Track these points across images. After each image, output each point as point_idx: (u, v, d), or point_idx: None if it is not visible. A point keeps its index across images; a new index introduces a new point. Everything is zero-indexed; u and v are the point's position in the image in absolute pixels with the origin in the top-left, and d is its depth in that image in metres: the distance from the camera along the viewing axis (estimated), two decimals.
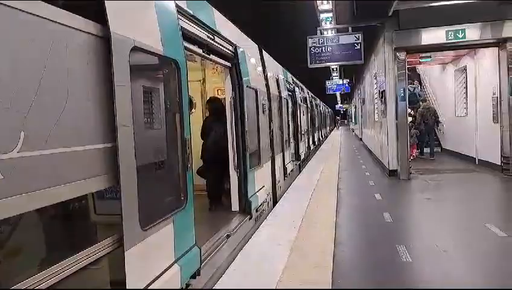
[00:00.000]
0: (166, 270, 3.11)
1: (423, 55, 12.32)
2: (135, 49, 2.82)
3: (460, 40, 9.24)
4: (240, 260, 4.40)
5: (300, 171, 11.61)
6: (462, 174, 9.82)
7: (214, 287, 3.77)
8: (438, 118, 13.63)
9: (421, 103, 13.60)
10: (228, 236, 4.68)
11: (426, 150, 13.46)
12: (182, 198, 3.53)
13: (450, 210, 6.83)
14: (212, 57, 4.80)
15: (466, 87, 12.06)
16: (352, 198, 8.08)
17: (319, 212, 6.52)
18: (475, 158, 11.21)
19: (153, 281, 2.91)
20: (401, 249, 4.67)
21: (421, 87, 17.21)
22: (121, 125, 2.58)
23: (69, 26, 2.28)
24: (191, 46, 4.17)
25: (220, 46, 4.93)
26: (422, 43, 9.52)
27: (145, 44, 2.98)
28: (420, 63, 13.93)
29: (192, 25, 4.08)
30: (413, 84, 15.78)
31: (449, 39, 9.27)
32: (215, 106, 6.29)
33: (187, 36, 3.94)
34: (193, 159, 3.71)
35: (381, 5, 8.99)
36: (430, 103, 17.06)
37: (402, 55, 9.58)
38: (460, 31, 9.19)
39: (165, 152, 3.56)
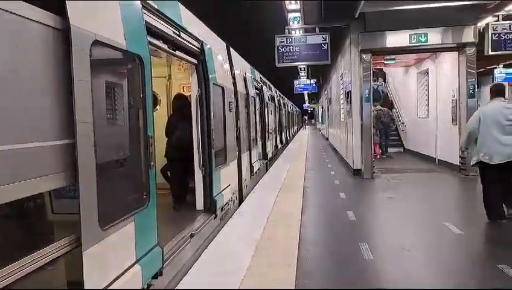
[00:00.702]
0: (126, 270, 3.04)
1: (388, 57, 12.62)
2: (96, 43, 2.73)
3: (423, 43, 9.50)
4: (204, 259, 4.36)
5: (267, 170, 11.65)
6: (422, 174, 10.11)
7: (176, 288, 3.71)
8: (393, 117, 14.11)
9: (376, 104, 13.99)
10: (192, 235, 4.62)
11: (391, 149, 13.88)
12: (145, 197, 3.45)
13: (411, 209, 7.00)
14: (178, 53, 4.73)
15: (427, 90, 12.43)
16: (317, 197, 8.17)
17: (285, 211, 6.55)
18: (435, 158, 11.57)
19: (113, 281, 2.84)
20: (364, 247, 4.75)
21: (385, 85, 17.72)
22: (80, 122, 2.49)
23: (26, 18, 2.17)
24: (156, 42, 4.08)
25: (186, 43, 4.85)
26: (387, 45, 9.73)
27: (107, 38, 2.89)
28: (385, 65, 14.26)
29: (157, 19, 4.00)
30: (377, 81, 16.23)
31: (412, 42, 9.51)
32: (180, 103, 6.20)
33: (152, 31, 3.86)
34: (157, 157, 3.64)
35: (348, 6, 9.12)
36: (394, 102, 17.56)
37: (367, 57, 9.75)
38: (423, 35, 9.45)
39: (127, 150, 3.47)
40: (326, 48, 9.77)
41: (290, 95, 30.68)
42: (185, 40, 4.78)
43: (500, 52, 9.85)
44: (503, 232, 5.47)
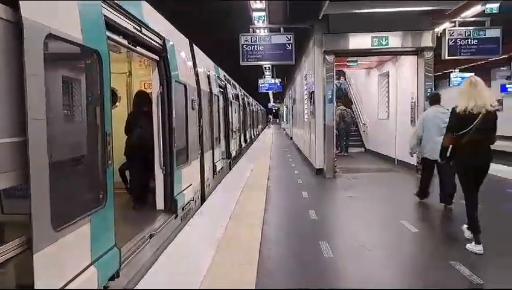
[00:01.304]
0: (81, 272, 2.94)
1: (350, 59, 12.84)
2: (50, 36, 2.62)
3: (384, 46, 9.72)
4: (163, 260, 4.29)
5: (230, 169, 11.62)
6: (382, 174, 10.37)
7: (134, 289, 3.63)
8: (355, 118, 14.48)
9: (339, 103, 14.32)
10: (151, 236, 4.54)
11: (353, 149, 14.20)
12: (101, 196, 3.36)
13: (370, 207, 7.15)
14: (138, 49, 4.63)
15: (388, 92, 12.74)
16: (280, 196, 8.22)
17: (248, 210, 6.55)
18: (394, 158, 11.89)
19: (66, 284, 2.74)
20: (324, 246, 4.81)
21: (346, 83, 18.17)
22: (32, 119, 2.39)
23: None
24: (115, 37, 3.98)
25: (148, 39, 4.76)
26: (350, 47, 9.89)
27: (62, 32, 2.79)
28: (347, 66, 14.52)
29: (117, 14, 3.89)
30: (339, 80, 16.61)
31: (374, 45, 9.70)
32: (141, 101, 6.07)
33: (111, 26, 3.75)
34: (116, 156, 3.55)
35: (312, 8, 9.21)
36: (355, 103, 17.95)
37: (331, 58, 9.89)
38: (384, 38, 9.66)
39: (83, 148, 3.36)
40: (290, 48, 9.83)
41: (255, 94, 30.76)
42: (146, 36, 4.68)
43: (455, 57, 10.22)
44: (455, 230, 5.67)
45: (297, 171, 11.34)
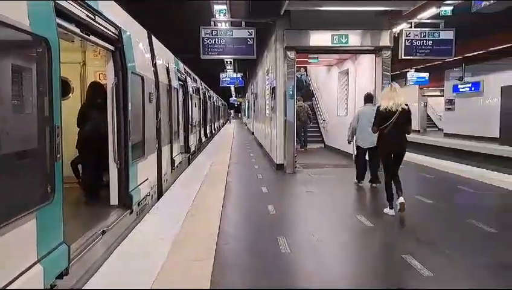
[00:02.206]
0: (25, 271, 2.79)
1: (311, 56, 12.96)
2: None
3: (344, 44, 9.84)
4: (116, 257, 4.15)
5: (189, 164, 11.47)
6: (341, 169, 10.54)
7: (83, 288, 3.49)
8: (311, 114, 14.72)
9: (298, 98, 14.50)
10: (104, 232, 4.38)
11: (313, 145, 14.41)
12: (49, 191, 3.19)
13: (328, 202, 7.26)
14: (92, 38, 4.44)
15: (347, 89, 12.96)
16: (240, 191, 8.19)
17: (206, 205, 6.48)
18: (352, 154, 12.10)
19: (9, 283, 2.59)
20: (282, 241, 4.81)
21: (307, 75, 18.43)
22: None
23: None
24: (67, 25, 3.79)
25: (102, 28, 4.57)
26: (311, 44, 9.96)
27: (6, 17, 2.61)
28: (308, 63, 14.65)
29: (68, 1, 3.70)
30: (301, 71, 16.82)
31: (334, 43, 9.80)
32: (95, 92, 5.85)
33: (62, 13, 3.56)
34: (68, 149, 3.38)
35: (274, 3, 9.20)
36: (316, 98, 18.23)
37: (292, 54, 9.92)
38: (344, 36, 9.78)
39: (29, 141, 3.18)
40: (252, 42, 9.77)
41: (217, 88, 30.55)
42: (100, 25, 4.50)
43: (411, 57, 10.49)
44: (408, 224, 5.87)
45: (258, 166, 11.35)
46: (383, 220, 6.08)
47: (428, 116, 33.88)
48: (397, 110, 5.95)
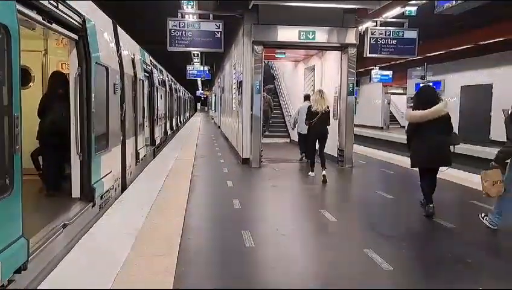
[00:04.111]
0: None
1: (279, 51, 13.02)
2: None
3: (311, 40, 9.94)
4: (77, 251, 4.06)
5: (154, 157, 11.33)
6: (306, 164, 10.65)
7: (40, 285, 3.40)
8: (272, 106, 14.94)
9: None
10: (65, 226, 4.29)
11: (278, 139, 14.53)
12: (7, 184, 3.09)
13: (293, 197, 7.38)
14: (54, 26, 4.30)
15: (313, 85, 13.12)
16: (205, 185, 8.16)
17: (170, 199, 6.43)
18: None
19: None
20: (246, 235, 4.84)
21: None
22: None
23: None
24: (28, 11, 3.66)
25: (65, 16, 4.44)
26: (278, 39, 9.99)
27: None
28: (276, 58, 14.71)
29: None
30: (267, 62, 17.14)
31: (301, 39, 9.88)
32: (57, 82, 5.67)
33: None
34: (28, 140, 3.27)
35: None
36: (281, 92, 18.41)
37: (259, 49, 9.93)
38: (311, 33, 9.88)
39: None
40: (219, 36, 9.72)
41: (184, 81, 30.19)
42: (63, 12, 4.36)
43: (376, 55, 10.72)
44: (372, 220, 6.02)
45: (224, 160, 11.34)
46: (346, 215, 6.24)
47: (391, 113, 34.77)
48: (322, 111, 8.60)
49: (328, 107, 8.70)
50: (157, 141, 12.31)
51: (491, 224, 5.24)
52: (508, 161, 5.06)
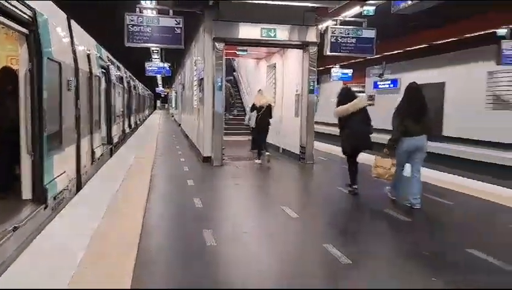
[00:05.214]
0: None
1: (240, 48, 12.95)
2: None
3: (272, 38, 9.94)
4: (28, 255, 3.85)
5: (111, 156, 11.00)
6: (262, 159, 10.67)
7: None
8: (232, 93, 15.06)
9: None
10: (16, 228, 4.06)
11: (240, 137, 14.49)
12: None
13: (255, 195, 7.37)
14: (1, 19, 4.06)
15: (275, 83, 13.16)
16: (165, 184, 8.00)
17: (128, 199, 6.26)
18: (279, 147, 12.37)
19: None
20: (207, 234, 4.76)
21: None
22: None
23: None
24: None
25: (14, 9, 4.20)
26: (240, 36, 9.92)
27: None
28: (237, 55, 14.64)
29: None
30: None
31: (263, 36, 9.86)
32: (5, 78, 5.37)
33: None
34: None
35: None
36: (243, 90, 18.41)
37: (220, 46, 9.83)
38: (272, 30, 9.88)
39: None
40: (179, 32, 9.53)
41: (143, 78, 29.56)
42: (11, 5, 4.12)
43: (336, 54, 10.84)
44: (332, 216, 6.13)
45: (184, 158, 11.17)
46: (308, 211, 6.29)
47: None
48: (265, 106, 10.31)
49: (269, 103, 10.49)
50: (115, 140, 11.98)
51: (393, 196, 6.44)
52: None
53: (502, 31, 12.66)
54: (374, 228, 5.50)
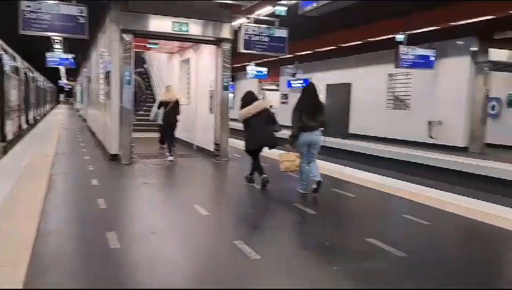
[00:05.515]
0: None
1: (151, 41, 12.48)
2: None
3: (185, 33, 9.69)
4: None
5: (5, 154, 9.97)
6: (180, 159, 10.42)
7: None
8: (142, 86, 14.98)
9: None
10: None
11: (151, 134, 14.00)
12: None
13: (165, 193, 7.14)
14: None
15: (189, 78, 12.90)
16: (66, 184, 7.40)
17: (22, 201, 5.67)
18: (193, 145, 12.15)
19: None
20: (111, 236, 4.45)
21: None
22: None
23: None
24: None
25: None
26: (150, 29, 9.53)
27: None
28: (148, 48, 14.12)
29: None
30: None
31: (175, 30, 9.57)
32: None
33: None
34: None
35: None
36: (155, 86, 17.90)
37: (129, 38, 9.34)
38: (185, 24, 9.63)
39: None
40: (83, 21, 8.85)
41: (44, 70, 27.35)
42: None
43: (249, 51, 10.85)
44: (242, 211, 6.14)
45: (89, 156, 10.48)
46: (219, 209, 6.24)
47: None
48: (171, 101, 10.23)
49: (176, 99, 10.35)
50: (9, 136, 10.87)
51: (303, 191, 6.72)
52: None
53: (400, 37, 13.62)
54: (282, 222, 5.61)
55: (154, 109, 11.19)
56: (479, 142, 14.03)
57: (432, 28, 12.94)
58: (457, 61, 14.54)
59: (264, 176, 7.22)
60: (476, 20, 11.63)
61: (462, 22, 11.94)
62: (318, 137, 6.71)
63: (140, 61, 17.65)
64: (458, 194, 7.11)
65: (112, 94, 9.63)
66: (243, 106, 7.40)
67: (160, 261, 3.98)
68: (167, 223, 5.31)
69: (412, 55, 13.92)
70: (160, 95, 10.85)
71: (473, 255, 4.58)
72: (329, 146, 16.75)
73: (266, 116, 7.33)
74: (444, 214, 5.92)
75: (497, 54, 13.81)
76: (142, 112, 14.21)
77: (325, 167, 9.25)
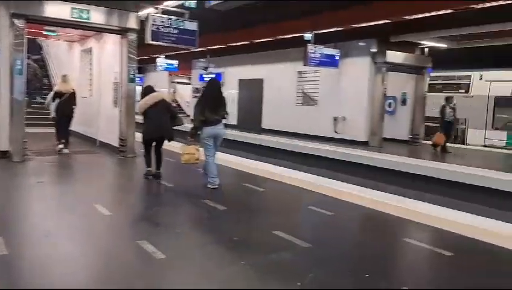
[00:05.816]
0: None
1: (48, 28, 11.54)
2: None
3: (85, 20, 9.11)
4: None
5: None
6: (81, 156, 9.80)
7: None
8: (37, 74, 14.30)
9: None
10: None
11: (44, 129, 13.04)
12: None
13: (63, 192, 6.65)
14: None
15: (91, 69, 12.14)
16: None
17: None
18: (96, 140, 11.47)
19: None
20: None
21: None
22: None
23: None
24: None
25: None
26: (46, 15, 8.78)
27: None
28: (45, 36, 13.06)
29: None
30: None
31: (74, 17, 8.94)
32: None
33: None
34: None
35: None
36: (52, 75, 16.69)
37: (21, 24, 8.50)
38: (85, 12, 9.03)
39: None
40: None
41: None
42: None
43: (157, 43, 10.45)
44: (147, 209, 5.95)
45: None
46: (122, 208, 5.95)
47: (177, 102, 35.33)
48: (68, 92, 9.95)
49: (73, 90, 10.06)
50: None
51: (213, 186, 6.64)
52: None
53: (308, 36, 14.06)
54: (190, 219, 5.55)
55: (49, 100, 10.52)
56: (378, 136, 14.97)
57: (336, 29, 13.49)
58: (359, 61, 15.37)
59: (158, 171, 7.27)
60: (374, 23, 12.33)
61: (363, 24, 12.59)
62: (222, 130, 6.80)
63: (36, 47, 16.32)
64: (354, 184, 7.67)
65: (1, 85, 8.69)
66: (142, 98, 7.38)
67: (53, 266, 3.69)
68: (64, 226, 4.94)
69: (319, 54, 14.46)
70: (57, 85, 10.29)
71: (367, 240, 4.91)
72: (241, 140, 16.91)
73: (163, 107, 7.28)
74: (343, 204, 6.26)
75: (393, 56, 14.83)
76: (37, 104, 13.11)
77: (235, 162, 9.28)
